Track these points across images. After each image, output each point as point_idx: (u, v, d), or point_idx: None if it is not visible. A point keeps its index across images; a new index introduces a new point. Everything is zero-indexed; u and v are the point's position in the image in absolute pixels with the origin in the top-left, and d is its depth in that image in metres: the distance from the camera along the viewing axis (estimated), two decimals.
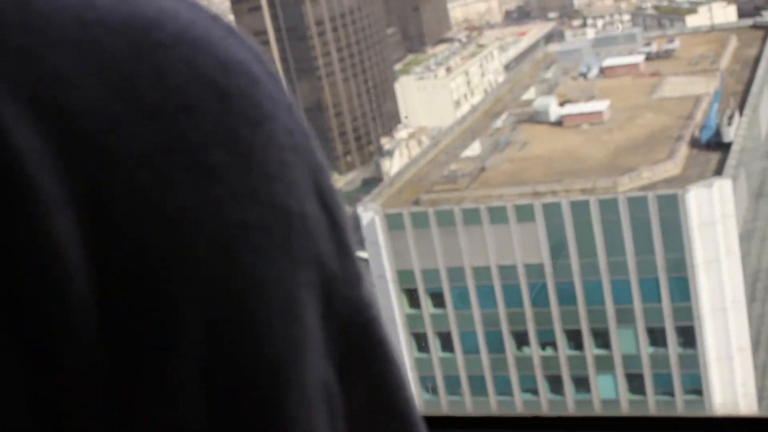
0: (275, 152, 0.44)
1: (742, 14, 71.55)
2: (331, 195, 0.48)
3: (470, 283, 29.08)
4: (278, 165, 0.44)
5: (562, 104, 36.17)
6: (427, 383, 30.33)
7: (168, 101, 0.41)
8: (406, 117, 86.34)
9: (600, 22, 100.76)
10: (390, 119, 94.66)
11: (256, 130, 0.43)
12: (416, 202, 30.07)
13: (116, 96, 0.40)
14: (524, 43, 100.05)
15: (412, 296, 30.12)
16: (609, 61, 40.82)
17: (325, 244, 0.47)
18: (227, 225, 0.42)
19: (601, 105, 35.20)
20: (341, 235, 0.48)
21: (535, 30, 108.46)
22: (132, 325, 0.39)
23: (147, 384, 0.40)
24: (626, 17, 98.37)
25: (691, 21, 75.46)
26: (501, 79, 71.27)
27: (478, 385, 29.58)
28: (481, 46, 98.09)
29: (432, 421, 1.59)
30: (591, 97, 36.48)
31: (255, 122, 0.44)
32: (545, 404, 29.07)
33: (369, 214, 29.54)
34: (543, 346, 29.26)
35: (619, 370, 28.81)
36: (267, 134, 0.44)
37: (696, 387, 28.41)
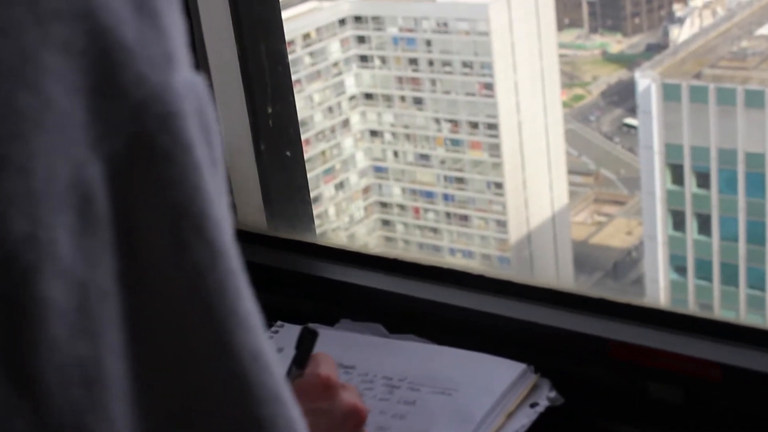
0: None
1: None
2: None
3: (740, 168, 27.79)
4: None
5: None
6: (677, 263, 29.55)
7: None
8: None
9: None
10: None
11: None
12: (697, 76, 28.74)
13: None
14: None
15: (676, 172, 29.15)
16: None
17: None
18: None
19: None
20: None
21: None
22: None
23: None
24: None
25: None
26: None
27: (729, 274, 28.52)
28: None
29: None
30: None
31: None
32: None
33: (645, 81, 28.51)
34: None
35: None
36: None
37: None
